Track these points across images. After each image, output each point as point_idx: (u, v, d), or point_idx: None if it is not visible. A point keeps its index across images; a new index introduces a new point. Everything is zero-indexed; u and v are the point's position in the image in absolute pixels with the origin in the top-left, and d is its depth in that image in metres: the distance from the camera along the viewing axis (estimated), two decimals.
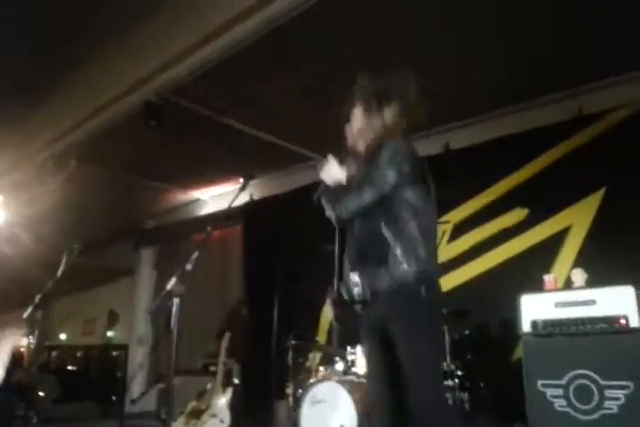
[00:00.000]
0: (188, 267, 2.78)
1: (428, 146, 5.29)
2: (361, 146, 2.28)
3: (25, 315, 4.73)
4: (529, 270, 3.90)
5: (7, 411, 4.80)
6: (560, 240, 4.27)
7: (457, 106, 4.70)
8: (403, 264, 2.00)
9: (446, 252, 4.88)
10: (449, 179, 4.96)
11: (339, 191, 2.19)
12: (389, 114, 2.22)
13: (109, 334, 8.57)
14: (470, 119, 5.04)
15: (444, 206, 4.93)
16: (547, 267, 4.13)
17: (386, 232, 2.05)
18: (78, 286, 8.79)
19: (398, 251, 2.01)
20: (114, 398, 6.81)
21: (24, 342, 8.04)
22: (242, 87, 4.48)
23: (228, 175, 6.36)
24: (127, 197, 7.16)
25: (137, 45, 4.30)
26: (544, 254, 4.28)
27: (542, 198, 4.41)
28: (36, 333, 5.69)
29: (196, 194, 7.44)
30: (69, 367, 7.75)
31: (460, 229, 4.91)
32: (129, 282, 8.43)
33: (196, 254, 2.83)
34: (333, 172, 2.26)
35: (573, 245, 4.19)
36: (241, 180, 3.07)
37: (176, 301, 2.77)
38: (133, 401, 6.86)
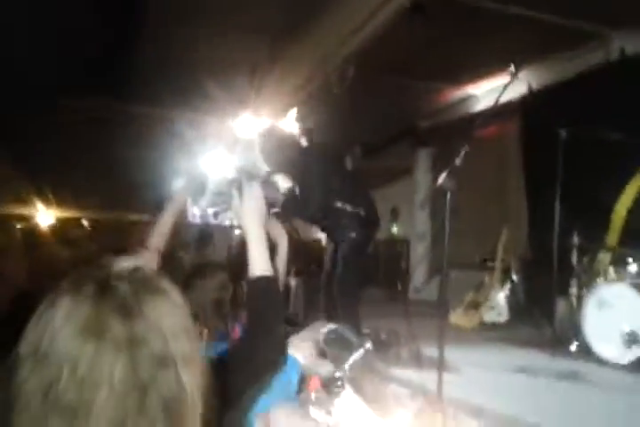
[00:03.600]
0: (458, 162, 2.72)
1: None
2: None
3: None
4: None
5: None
6: None
7: None
8: None
9: None
10: None
11: None
12: None
13: (393, 229, 9.21)
14: None
15: None
16: None
17: None
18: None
19: None
20: (399, 286, 7.45)
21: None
22: None
23: (501, 66, 5.87)
24: (402, 98, 7.21)
25: None
26: None
27: None
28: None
29: (470, 90, 7.09)
30: None
31: None
32: (409, 181, 8.75)
33: (465, 149, 2.75)
34: None
35: None
36: (510, 68, 2.84)
37: (448, 195, 2.77)
38: (416, 290, 7.39)
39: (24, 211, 12.46)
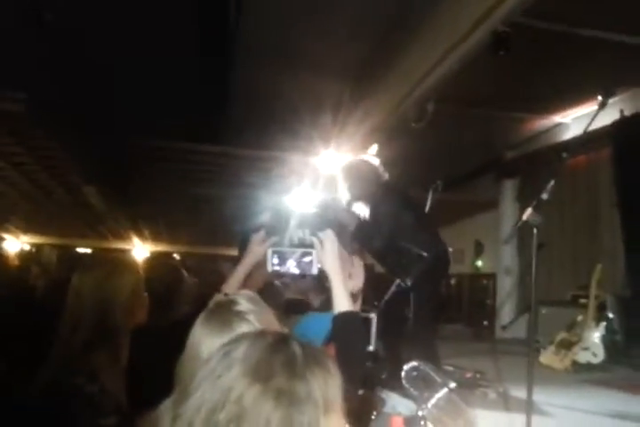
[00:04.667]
0: (544, 196, 2.65)
1: None
2: None
3: None
4: None
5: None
6: None
7: None
8: None
9: None
10: None
11: None
12: None
13: (477, 263, 8.97)
14: None
15: None
16: None
17: None
18: (446, 218, 9.36)
19: None
20: (485, 322, 7.18)
21: None
22: None
23: (590, 93, 5.69)
24: (485, 130, 7.12)
25: None
26: None
27: None
28: None
29: (557, 118, 6.91)
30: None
31: None
32: (493, 214, 8.55)
33: (551, 183, 2.68)
34: None
35: None
36: (599, 97, 2.77)
37: (534, 231, 2.69)
38: (504, 327, 7.09)
39: (121, 245, 13.30)
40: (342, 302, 1.48)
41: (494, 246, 8.38)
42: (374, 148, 5.38)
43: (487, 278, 8.38)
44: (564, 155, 2.88)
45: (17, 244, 13.03)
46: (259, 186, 6.54)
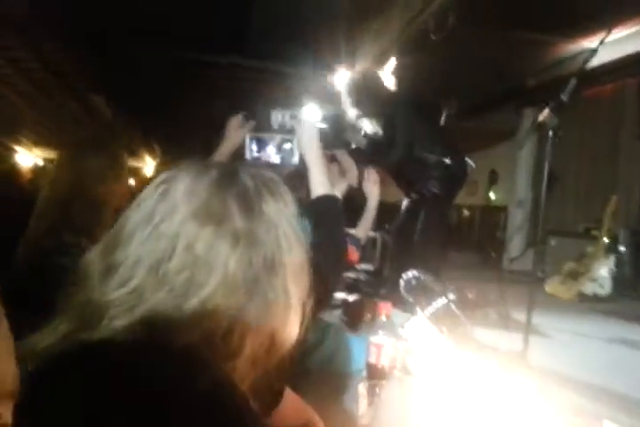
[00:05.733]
0: (563, 97, 2.53)
1: None
2: None
3: None
4: None
5: None
6: None
7: None
8: None
9: None
10: None
11: None
12: None
13: (491, 195, 8.82)
14: None
15: None
16: None
17: None
18: (462, 148, 9.12)
19: None
20: (493, 254, 7.14)
21: None
22: None
23: (622, 17, 5.27)
24: (507, 55, 6.73)
25: None
26: None
27: None
28: None
29: (585, 43, 6.48)
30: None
31: None
32: (510, 144, 8.29)
33: (572, 84, 2.55)
34: None
35: None
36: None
37: (550, 133, 2.57)
38: (512, 260, 7.03)
39: (134, 163, 13.28)
40: (320, 187, 1.39)
41: (509, 179, 8.19)
42: (392, 63, 5.12)
43: (499, 211, 8.28)
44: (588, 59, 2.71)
45: (30, 158, 12.98)
46: (271, 101, 6.34)
